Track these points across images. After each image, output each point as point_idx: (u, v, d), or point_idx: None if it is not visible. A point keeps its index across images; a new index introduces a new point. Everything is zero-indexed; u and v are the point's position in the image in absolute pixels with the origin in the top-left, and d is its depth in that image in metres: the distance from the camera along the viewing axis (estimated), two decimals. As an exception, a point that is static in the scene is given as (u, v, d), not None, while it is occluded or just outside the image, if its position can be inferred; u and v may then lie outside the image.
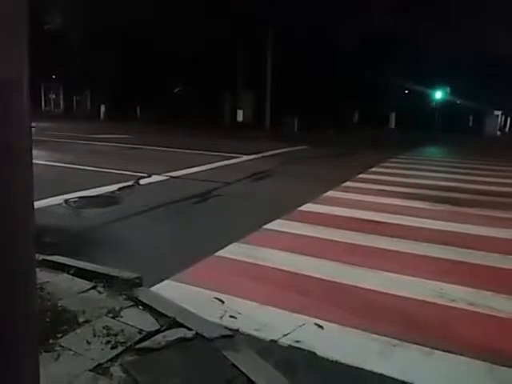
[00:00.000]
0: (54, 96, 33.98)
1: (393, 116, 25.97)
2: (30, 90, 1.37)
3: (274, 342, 2.74)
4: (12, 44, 1.33)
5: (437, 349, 2.71)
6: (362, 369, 2.50)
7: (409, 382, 2.40)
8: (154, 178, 8.01)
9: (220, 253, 4.24)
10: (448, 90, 24.23)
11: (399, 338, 2.82)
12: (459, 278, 3.77)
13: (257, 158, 11.58)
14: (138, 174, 8.20)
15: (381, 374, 2.46)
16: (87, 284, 3.18)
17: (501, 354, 2.68)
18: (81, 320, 2.68)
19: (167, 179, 8.09)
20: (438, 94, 24.00)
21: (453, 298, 3.42)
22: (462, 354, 2.66)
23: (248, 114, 24.54)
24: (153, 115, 24.55)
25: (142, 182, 7.65)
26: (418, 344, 2.76)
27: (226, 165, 10.18)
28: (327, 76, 23.53)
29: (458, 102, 24.25)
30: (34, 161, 1.38)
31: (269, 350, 2.62)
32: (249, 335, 2.78)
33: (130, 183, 7.38)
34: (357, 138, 18.05)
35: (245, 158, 11.41)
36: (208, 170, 9.22)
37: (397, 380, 2.42)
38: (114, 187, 6.98)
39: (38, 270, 2.53)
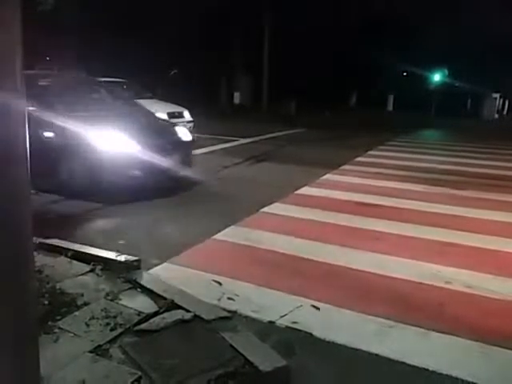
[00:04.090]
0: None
1: (391, 98, 25.80)
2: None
3: (271, 323, 2.77)
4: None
5: (433, 330, 2.75)
6: (358, 349, 2.54)
7: (404, 362, 2.44)
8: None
9: (218, 236, 4.25)
10: (446, 72, 24.01)
11: (395, 319, 2.85)
12: (456, 260, 3.80)
13: (254, 141, 11.52)
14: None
15: (376, 355, 2.50)
16: (85, 267, 3.19)
17: (496, 336, 2.73)
18: (79, 302, 2.69)
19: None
20: (437, 77, 23.79)
21: (449, 279, 3.46)
22: (458, 336, 2.70)
23: (245, 96, 24.31)
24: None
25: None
26: (414, 325, 2.80)
27: (223, 148, 10.13)
28: (326, 58, 23.29)
29: (457, 84, 24.08)
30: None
31: (266, 330, 2.65)
32: (246, 317, 2.81)
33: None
34: (355, 121, 17.95)
35: (242, 141, 11.35)
36: (204, 153, 9.17)
37: (392, 360, 2.45)
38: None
39: (35, 253, 2.53)
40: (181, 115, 11.13)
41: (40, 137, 5.49)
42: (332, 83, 24.07)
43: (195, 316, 2.59)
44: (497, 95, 24.75)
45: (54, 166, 5.50)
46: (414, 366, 2.40)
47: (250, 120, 16.97)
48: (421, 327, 2.77)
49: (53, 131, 5.51)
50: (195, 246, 3.95)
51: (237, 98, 24.25)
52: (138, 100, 9.94)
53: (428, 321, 2.84)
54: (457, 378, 2.32)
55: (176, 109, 11.28)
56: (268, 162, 8.62)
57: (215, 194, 6.02)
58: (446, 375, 2.34)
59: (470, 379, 2.31)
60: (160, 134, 6.20)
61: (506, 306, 3.12)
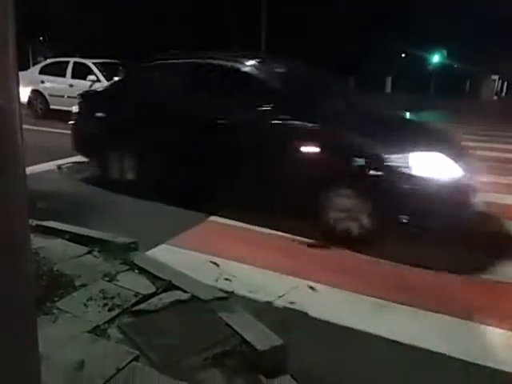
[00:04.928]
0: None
1: (389, 80, 25.62)
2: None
3: (268, 303, 2.80)
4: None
5: (425, 309, 2.79)
6: (352, 328, 2.57)
7: (395, 340, 2.47)
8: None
9: (215, 217, 4.26)
10: (445, 53, 23.79)
11: (389, 299, 2.89)
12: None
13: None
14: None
15: (369, 333, 2.53)
16: (82, 249, 3.20)
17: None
18: (77, 284, 2.71)
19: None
20: (436, 58, 23.56)
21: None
22: (449, 315, 2.74)
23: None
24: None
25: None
26: (407, 305, 2.84)
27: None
28: (325, 39, 22.99)
29: (455, 65, 23.89)
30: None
31: (263, 311, 2.67)
32: (244, 297, 2.83)
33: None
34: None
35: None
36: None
37: (385, 338, 2.49)
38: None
39: (32, 235, 2.53)
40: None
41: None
42: (330, 64, 23.84)
43: (193, 296, 2.61)
44: (496, 77, 24.63)
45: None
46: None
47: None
48: (414, 307, 2.81)
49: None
50: (192, 228, 3.97)
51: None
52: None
53: (421, 300, 2.88)
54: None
55: None
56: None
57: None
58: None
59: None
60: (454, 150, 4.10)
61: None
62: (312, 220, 3.84)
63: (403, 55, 25.19)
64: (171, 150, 4.68)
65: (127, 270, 2.94)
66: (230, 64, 4.49)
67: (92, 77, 10.28)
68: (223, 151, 4.31)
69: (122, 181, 4.95)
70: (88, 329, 2.25)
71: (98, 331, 2.24)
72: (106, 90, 5.72)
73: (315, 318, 2.66)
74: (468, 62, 22.98)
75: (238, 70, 4.42)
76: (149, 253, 3.34)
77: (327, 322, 2.62)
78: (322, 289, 3.02)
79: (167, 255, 3.31)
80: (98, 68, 10.57)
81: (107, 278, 2.80)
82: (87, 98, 5.80)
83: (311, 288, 3.01)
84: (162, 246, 3.55)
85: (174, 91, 4.73)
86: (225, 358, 2.15)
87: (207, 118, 4.38)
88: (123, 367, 1.96)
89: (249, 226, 4.05)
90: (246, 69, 4.42)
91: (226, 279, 3.07)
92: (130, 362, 2.01)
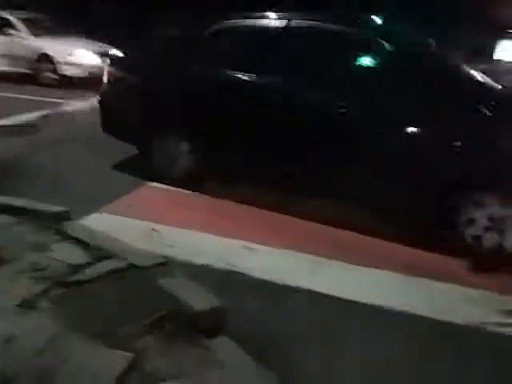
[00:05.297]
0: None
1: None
2: None
3: (207, 266, 2.82)
4: None
5: (360, 265, 2.93)
6: (291, 286, 2.66)
7: (333, 296, 2.59)
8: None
9: (152, 183, 4.16)
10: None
11: (326, 256, 3.00)
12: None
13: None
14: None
15: (308, 290, 2.64)
16: (10, 219, 3.02)
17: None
18: (5, 257, 2.56)
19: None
20: None
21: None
22: (388, 269, 2.91)
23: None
24: None
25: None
26: (344, 261, 2.96)
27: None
28: None
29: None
30: None
31: (203, 274, 2.69)
32: (183, 262, 2.82)
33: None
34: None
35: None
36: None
37: (323, 294, 2.60)
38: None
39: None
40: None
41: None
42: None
43: (130, 264, 2.57)
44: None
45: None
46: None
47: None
48: (350, 263, 2.95)
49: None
50: (128, 194, 3.86)
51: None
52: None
53: (356, 257, 3.02)
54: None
55: None
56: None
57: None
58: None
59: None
60: None
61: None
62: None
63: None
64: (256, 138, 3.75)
65: (59, 240, 2.81)
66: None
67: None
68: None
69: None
70: (17, 303, 2.16)
71: (27, 304, 2.15)
72: (153, 55, 4.62)
73: (254, 278, 2.72)
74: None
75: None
76: (83, 221, 3.22)
77: (267, 282, 2.69)
78: (261, 249, 3.07)
79: (102, 223, 3.20)
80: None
81: (38, 250, 2.67)
82: (124, 63, 4.71)
83: (249, 248, 3.06)
84: (97, 214, 3.43)
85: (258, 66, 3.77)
86: (164, 322, 2.15)
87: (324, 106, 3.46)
88: (53, 339, 1.91)
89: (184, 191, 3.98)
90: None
91: (165, 245, 3.04)
92: (60, 333, 1.96)
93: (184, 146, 4.01)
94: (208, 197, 3.90)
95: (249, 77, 3.75)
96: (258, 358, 1.93)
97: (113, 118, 4.39)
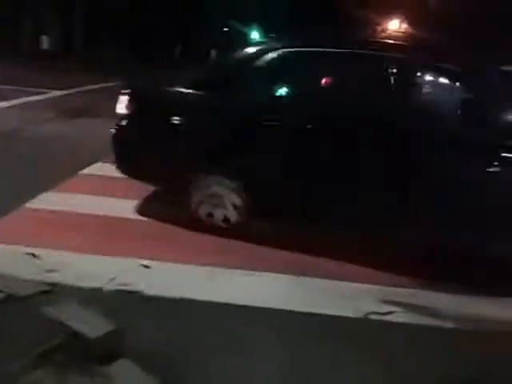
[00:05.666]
0: None
1: (213, 54, 26.05)
2: None
3: (97, 289, 2.69)
4: None
5: (255, 270, 3.05)
6: (189, 299, 2.65)
7: (231, 303, 2.65)
8: None
9: (30, 204, 3.83)
10: (260, 28, 24.05)
11: (219, 265, 3.07)
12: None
13: (69, 94, 10.43)
14: None
15: (209, 301, 2.65)
16: None
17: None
18: None
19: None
20: (255, 34, 24.27)
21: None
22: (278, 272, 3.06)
23: (55, 41, 21.37)
24: None
25: None
26: (237, 268, 3.05)
27: (32, 101, 8.90)
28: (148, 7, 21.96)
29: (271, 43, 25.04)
30: None
31: (93, 298, 2.55)
32: (70, 287, 2.66)
33: None
34: (178, 76, 17.51)
35: (54, 93, 10.15)
36: (7, 108, 7.93)
37: (223, 303, 2.64)
38: None
39: None
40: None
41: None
42: (156, 33, 22.98)
43: (9, 295, 2.35)
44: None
45: None
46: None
47: (63, 69, 15.20)
48: (244, 269, 3.05)
49: None
50: (3, 218, 3.50)
51: (44, 42, 21.23)
52: None
53: (247, 261, 3.13)
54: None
55: None
56: (86, 118, 7.96)
57: (22, 154, 5.32)
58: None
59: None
60: None
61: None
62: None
63: (225, 29, 25.61)
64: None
65: None
66: None
67: None
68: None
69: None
70: None
71: None
72: (185, 83, 3.74)
73: (150, 297, 2.68)
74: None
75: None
76: None
77: (162, 298, 2.66)
78: (155, 265, 3.03)
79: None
80: None
81: None
82: (146, 93, 3.87)
83: (144, 266, 3.01)
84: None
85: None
86: (55, 354, 2.02)
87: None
88: None
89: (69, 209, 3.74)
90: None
91: (49, 271, 2.83)
92: None
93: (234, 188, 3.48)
94: (93, 215, 3.72)
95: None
96: (160, 377, 1.92)
97: (138, 156, 3.72)
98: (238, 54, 3.80)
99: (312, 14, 22.53)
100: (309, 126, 3.32)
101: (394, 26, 25.92)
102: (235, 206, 3.48)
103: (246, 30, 24.34)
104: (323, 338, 2.44)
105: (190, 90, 3.64)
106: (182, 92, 3.69)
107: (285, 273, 3.08)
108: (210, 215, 3.54)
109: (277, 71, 3.54)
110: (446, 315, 2.76)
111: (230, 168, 3.43)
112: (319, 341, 2.42)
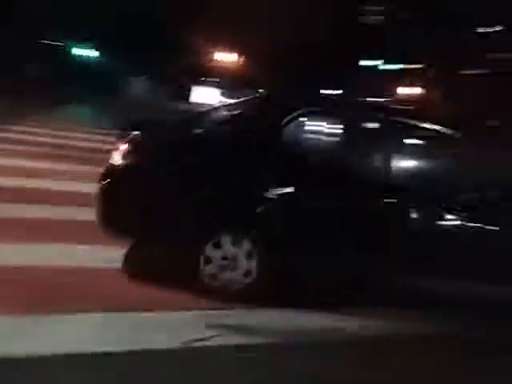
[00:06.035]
0: None
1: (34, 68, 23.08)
2: None
3: None
4: None
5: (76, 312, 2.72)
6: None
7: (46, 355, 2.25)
8: None
9: None
10: (92, 46, 21.80)
11: (30, 312, 2.63)
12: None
13: None
14: None
15: (27, 355, 2.21)
16: None
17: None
18: None
19: None
20: (79, 50, 21.60)
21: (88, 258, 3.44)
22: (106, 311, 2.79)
23: None
24: None
25: None
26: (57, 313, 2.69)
27: None
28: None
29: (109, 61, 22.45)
30: None
31: None
32: None
33: None
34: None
35: None
36: None
37: (35, 357, 2.23)
38: None
39: None
40: None
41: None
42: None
43: None
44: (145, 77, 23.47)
45: None
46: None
47: None
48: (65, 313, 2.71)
49: None
50: None
51: None
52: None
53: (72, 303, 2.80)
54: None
55: None
56: None
57: None
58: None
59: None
60: None
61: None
62: None
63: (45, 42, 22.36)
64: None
65: None
66: None
67: None
68: None
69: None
70: None
71: None
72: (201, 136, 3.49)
73: None
74: (120, 59, 21.79)
75: None
76: None
77: None
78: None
79: None
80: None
81: None
82: (151, 143, 3.36)
83: None
84: None
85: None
86: None
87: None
88: None
89: None
90: None
91: None
92: None
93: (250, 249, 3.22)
94: None
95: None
96: None
97: (128, 216, 3.20)
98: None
99: (142, 41, 22.87)
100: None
101: (227, 56, 25.84)
102: None
103: (66, 44, 21.92)
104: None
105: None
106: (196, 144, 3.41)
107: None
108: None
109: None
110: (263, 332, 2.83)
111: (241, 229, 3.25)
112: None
